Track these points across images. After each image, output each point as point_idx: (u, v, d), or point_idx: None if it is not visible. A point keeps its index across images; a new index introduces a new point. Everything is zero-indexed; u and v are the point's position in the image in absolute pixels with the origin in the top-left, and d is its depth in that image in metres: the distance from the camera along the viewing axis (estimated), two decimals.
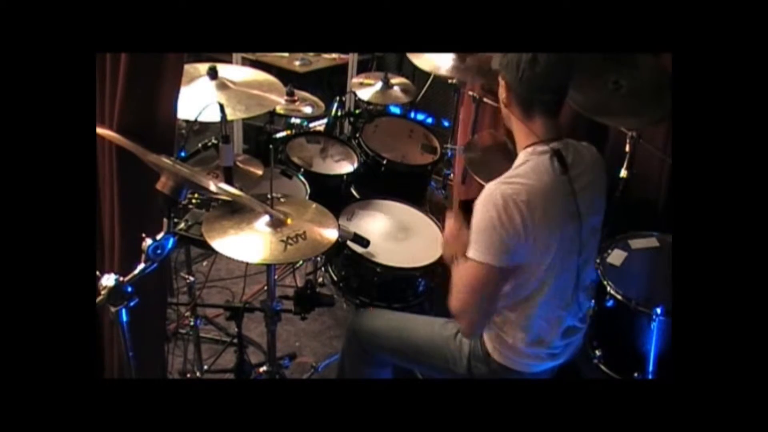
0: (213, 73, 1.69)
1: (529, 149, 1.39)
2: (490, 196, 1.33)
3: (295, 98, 2.52)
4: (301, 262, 2.64)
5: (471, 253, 1.35)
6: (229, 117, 1.53)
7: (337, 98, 2.79)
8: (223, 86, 1.69)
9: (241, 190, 1.43)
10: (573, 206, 1.37)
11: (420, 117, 3.75)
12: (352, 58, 3.67)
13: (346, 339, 1.78)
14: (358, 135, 2.51)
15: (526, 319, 1.43)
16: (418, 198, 2.45)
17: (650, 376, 1.83)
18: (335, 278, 2.06)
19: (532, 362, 1.48)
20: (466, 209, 1.63)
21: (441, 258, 1.93)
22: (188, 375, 2.12)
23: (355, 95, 2.74)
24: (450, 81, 3.03)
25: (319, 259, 2.44)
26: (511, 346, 1.45)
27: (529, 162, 1.37)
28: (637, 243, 2.15)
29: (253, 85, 1.75)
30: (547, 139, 1.38)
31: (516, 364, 1.48)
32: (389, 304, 1.96)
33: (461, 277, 1.40)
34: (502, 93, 1.43)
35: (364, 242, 1.87)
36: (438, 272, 1.81)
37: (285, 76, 3.42)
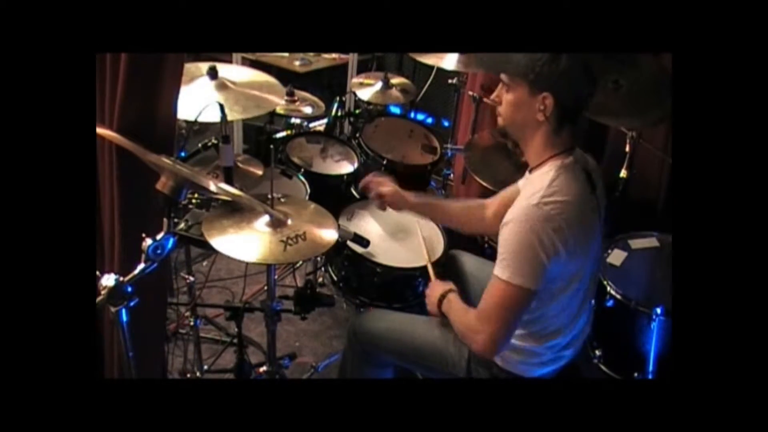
0: (213, 73, 1.69)
1: (555, 161, 1.34)
2: (532, 216, 1.26)
3: (295, 98, 2.52)
4: (301, 262, 2.64)
5: (504, 274, 1.29)
6: (229, 118, 1.53)
7: (337, 98, 2.79)
8: (222, 86, 1.69)
9: (241, 190, 1.43)
10: (598, 213, 1.37)
11: (420, 117, 3.75)
12: (352, 58, 3.67)
13: (347, 340, 1.78)
14: (358, 135, 2.51)
15: (545, 328, 1.42)
16: None
17: (650, 376, 1.84)
18: (335, 278, 2.06)
19: (535, 367, 1.48)
20: None
21: (441, 258, 1.94)
22: (188, 375, 2.12)
23: (355, 95, 2.74)
24: (450, 81, 3.03)
25: (319, 259, 2.44)
26: (522, 352, 1.45)
27: (562, 176, 1.31)
28: (637, 243, 2.15)
29: (252, 86, 1.75)
30: (570, 148, 1.35)
31: (518, 368, 1.48)
32: (389, 304, 1.96)
33: (489, 296, 1.34)
34: (537, 105, 1.31)
35: (364, 242, 1.87)
36: (437, 272, 1.81)
37: (285, 76, 3.42)
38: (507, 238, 1.30)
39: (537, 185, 1.32)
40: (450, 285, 1.59)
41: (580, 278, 1.38)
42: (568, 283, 1.36)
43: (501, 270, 1.30)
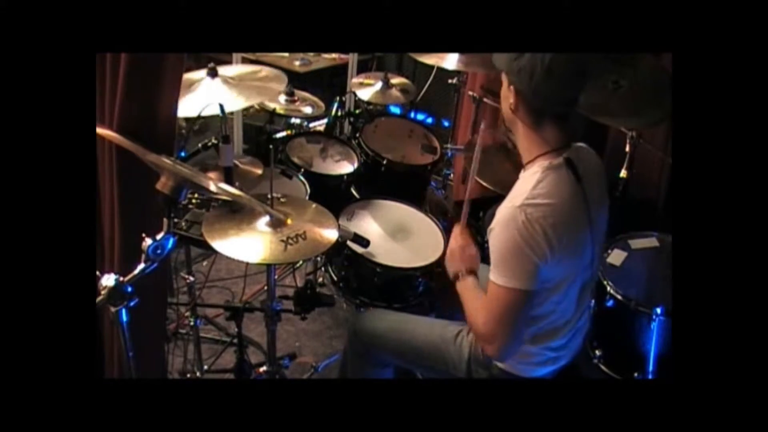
0: (213, 73, 1.69)
1: (543, 161, 1.33)
2: (515, 219, 1.26)
3: (295, 98, 2.52)
4: (301, 262, 2.64)
5: (499, 279, 1.29)
6: (230, 108, 1.53)
7: (337, 98, 2.79)
8: (223, 81, 1.69)
9: (241, 190, 1.44)
10: (587, 217, 1.35)
11: (420, 117, 3.75)
12: (352, 58, 3.67)
13: (347, 339, 1.78)
14: (358, 135, 2.51)
15: (539, 329, 1.42)
16: (418, 198, 2.45)
17: (650, 376, 1.84)
18: (335, 278, 2.06)
19: (534, 367, 1.47)
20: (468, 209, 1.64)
21: (441, 258, 1.93)
22: (188, 375, 2.12)
23: (355, 95, 2.74)
24: (450, 81, 3.03)
25: (319, 259, 2.44)
26: (519, 353, 1.44)
27: (548, 178, 1.30)
28: (637, 243, 2.15)
29: (253, 77, 1.76)
30: (559, 148, 1.34)
31: (518, 369, 1.47)
32: (389, 304, 1.96)
33: (490, 303, 1.33)
34: (509, 98, 1.34)
35: (364, 242, 1.87)
36: (438, 273, 1.80)
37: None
38: (495, 243, 1.30)
39: (523, 187, 1.32)
40: (473, 261, 1.52)
41: (571, 280, 1.37)
42: (558, 284, 1.35)
43: (496, 276, 1.31)
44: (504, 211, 1.30)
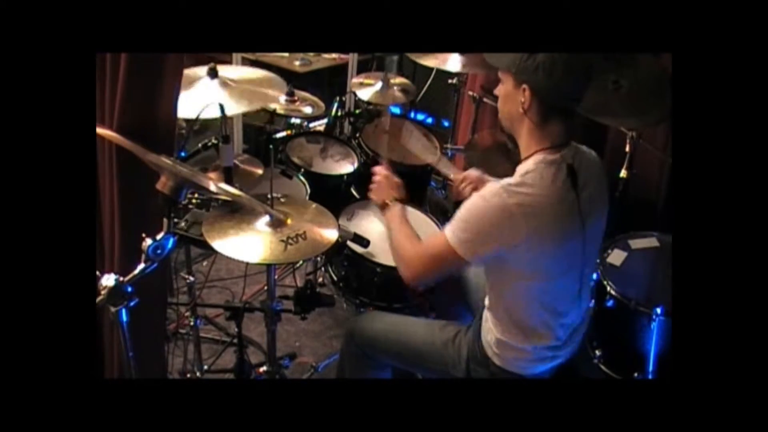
0: (213, 73, 1.69)
1: (539, 156, 1.34)
2: (491, 198, 1.30)
3: (295, 98, 2.52)
4: (301, 262, 2.64)
5: (449, 232, 1.35)
6: (232, 112, 1.53)
7: (337, 98, 2.78)
8: (223, 84, 1.69)
9: (241, 190, 1.43)
10: (577, 217, 1.35)
11: (420, 117, 3.75)
12: (352, 58, 3.67)
13: (344, 341, 1.78)
14: (358, 135, 2.51)
15: (528, 323, 1.42)
16: (418, 198, 2.45)
17: (650, 376, 1.84)
18: (335, 278, 2.06)
19: (531, 365, 1.48)
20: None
21: None
22: (188, 375, 2.12)
23: (355, 95, 2.74)
24: (450, 81, 3.03)
25: (319, 259, 2.44)
26: (513, 349, 1.46)
27: (538, 170, 1.32)
28: (637, 243, 2.15)
29: (253, 82, 1.76)
30: (559, 144, 1.35)
31: (516, 366, 1.48)
32: (389, 304, 1.96)
33: (429, 242, 1.46)
34: (519, 97, 1.33)
35: (364, 242, 1.87)
36: None
37: (285, 76, 3.41)
38: (467, 205, 1.35)
39: (514, 174, 1.36)
40: (400, 189, 1.70)
41: (555, 274, 1.37)
42: (534, 274, 1.36)
43: (449, 228, 1.36)
44: (489, 185, 1.35)
